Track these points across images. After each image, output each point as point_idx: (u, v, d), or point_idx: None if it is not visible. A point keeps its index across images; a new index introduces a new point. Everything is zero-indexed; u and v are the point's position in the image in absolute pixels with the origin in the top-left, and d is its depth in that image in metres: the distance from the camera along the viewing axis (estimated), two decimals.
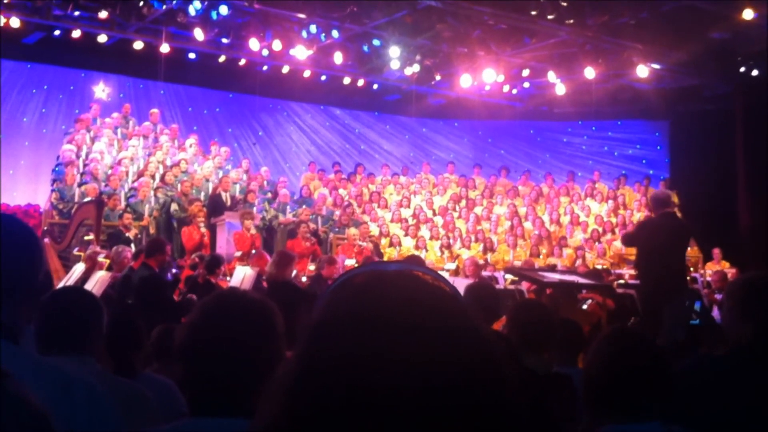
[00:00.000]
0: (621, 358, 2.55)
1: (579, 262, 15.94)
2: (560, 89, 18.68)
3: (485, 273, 13.67)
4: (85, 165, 15.61)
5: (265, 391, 1.03)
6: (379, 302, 1.01)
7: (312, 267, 12.65)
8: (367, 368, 0.95)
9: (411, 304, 1.01)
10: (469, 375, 0.98)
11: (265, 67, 18.84)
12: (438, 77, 18.87)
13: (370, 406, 0.94)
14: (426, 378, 0.95)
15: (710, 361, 2.97)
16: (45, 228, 13.33)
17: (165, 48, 16.62)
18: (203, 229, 13.72)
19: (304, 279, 11.82)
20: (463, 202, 19.02)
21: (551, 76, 18.22)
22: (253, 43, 16.57)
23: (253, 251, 12.33)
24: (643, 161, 21.53)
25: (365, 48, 17.99)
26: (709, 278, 14.11)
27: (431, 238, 17.10)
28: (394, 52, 17.16)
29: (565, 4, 15.10)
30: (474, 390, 0.97)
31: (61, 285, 8.53)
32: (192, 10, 15.84)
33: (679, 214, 8.34)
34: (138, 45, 16.92)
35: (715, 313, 12.12)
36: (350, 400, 0.95)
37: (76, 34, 16.42)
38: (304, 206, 16.16)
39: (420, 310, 1.00)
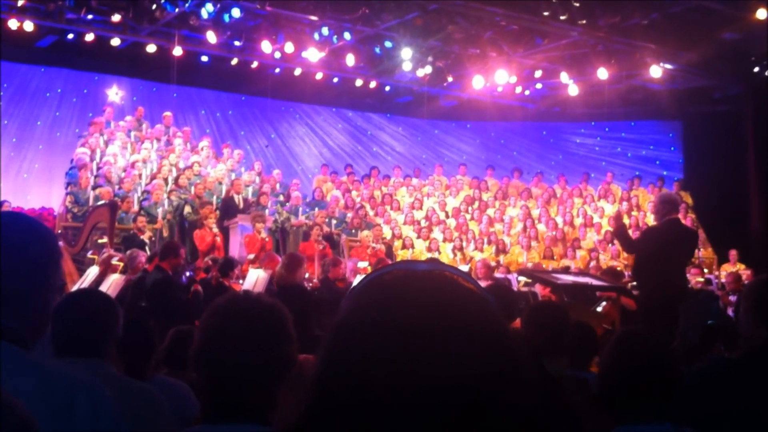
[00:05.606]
0: (632, 361, 2.55)
1: (593, 263, 15.88)
2: (573, 90, 18.59)
3: (498, 275, 13.63)
4: (98, 168, 15.67)
5: (287, 393, 1.02)
6: (405, 304, 0.99)
7: None
8: (391, 371, 0.94)
9: (438, 307, 0.99)
10: (495, 378, 0.97)
11: (277, 70, 18.88)
12: (450, 79, 18.82)
13: (393, 408, 0.93)
14: (450, 381, 0.94)
15: (725, 363, 2.95)
16: (59, 231, 13.38)
17: (177, 51, 16.69)
18: (215, 230, 13.74)
19: (316, 281, 11.80)
20: (476, 204, 18.96)
21: (563, 77, 18.15)
22: (265, 46, 16.59)
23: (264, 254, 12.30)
24: (657, 162, 21.44)
25: (377, 50, 17.98)
26: (723, 280, 14.04)
27: (444, 240, 17.06)
28: (406, 53, 17.14)
29: (576, 4, 15.08)
30: (498, 393, 0.97)
31: (75, 288, 8.56)
32: (204, 13, 15.88)
33: (684, 221, 8.28)
34: (151, 48, 16.97)
35: (729, 314, 12.05)
36: (373, 403, 0.94)
37: (89, 37, 16.49)
38: (317, 208, 16.17)
39: (447, 313, 0.99)
